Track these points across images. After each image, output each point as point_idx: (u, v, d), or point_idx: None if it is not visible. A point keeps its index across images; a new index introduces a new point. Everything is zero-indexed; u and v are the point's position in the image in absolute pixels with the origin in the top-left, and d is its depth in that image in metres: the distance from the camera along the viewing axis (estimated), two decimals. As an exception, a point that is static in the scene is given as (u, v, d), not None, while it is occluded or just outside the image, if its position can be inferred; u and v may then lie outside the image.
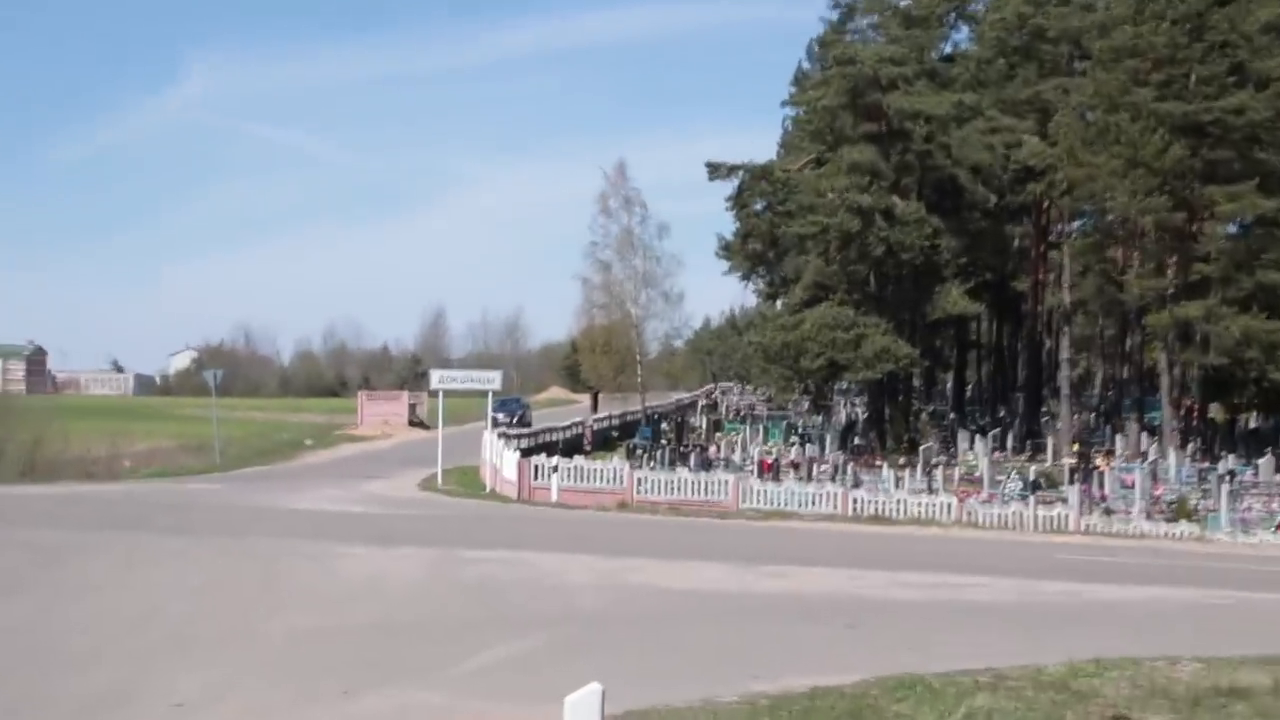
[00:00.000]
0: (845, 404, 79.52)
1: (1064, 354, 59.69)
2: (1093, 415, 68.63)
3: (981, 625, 16.51)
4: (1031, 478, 38.90)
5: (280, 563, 20.24)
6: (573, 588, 18.58)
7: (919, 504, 34.98)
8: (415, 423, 74.35)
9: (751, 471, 43.58)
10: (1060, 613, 18.09)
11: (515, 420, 64.83)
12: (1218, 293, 51.37)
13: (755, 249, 65.88)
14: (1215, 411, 68.15)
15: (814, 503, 35.44)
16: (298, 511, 30.39)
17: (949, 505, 34.82)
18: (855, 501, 35.27)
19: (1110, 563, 25.90)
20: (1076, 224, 62.31)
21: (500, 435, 41.96)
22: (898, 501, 35.09)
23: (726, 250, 68.63)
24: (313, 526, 26.56)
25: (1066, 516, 34.30)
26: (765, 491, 36.16)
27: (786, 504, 35.42)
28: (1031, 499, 34.59)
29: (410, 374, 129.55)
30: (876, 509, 34.91)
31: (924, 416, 63.99)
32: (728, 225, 70.37)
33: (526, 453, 40.45)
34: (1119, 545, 30.90)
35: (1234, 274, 51.81)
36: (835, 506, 35.22)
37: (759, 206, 62.51)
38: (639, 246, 65.46)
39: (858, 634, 15.45)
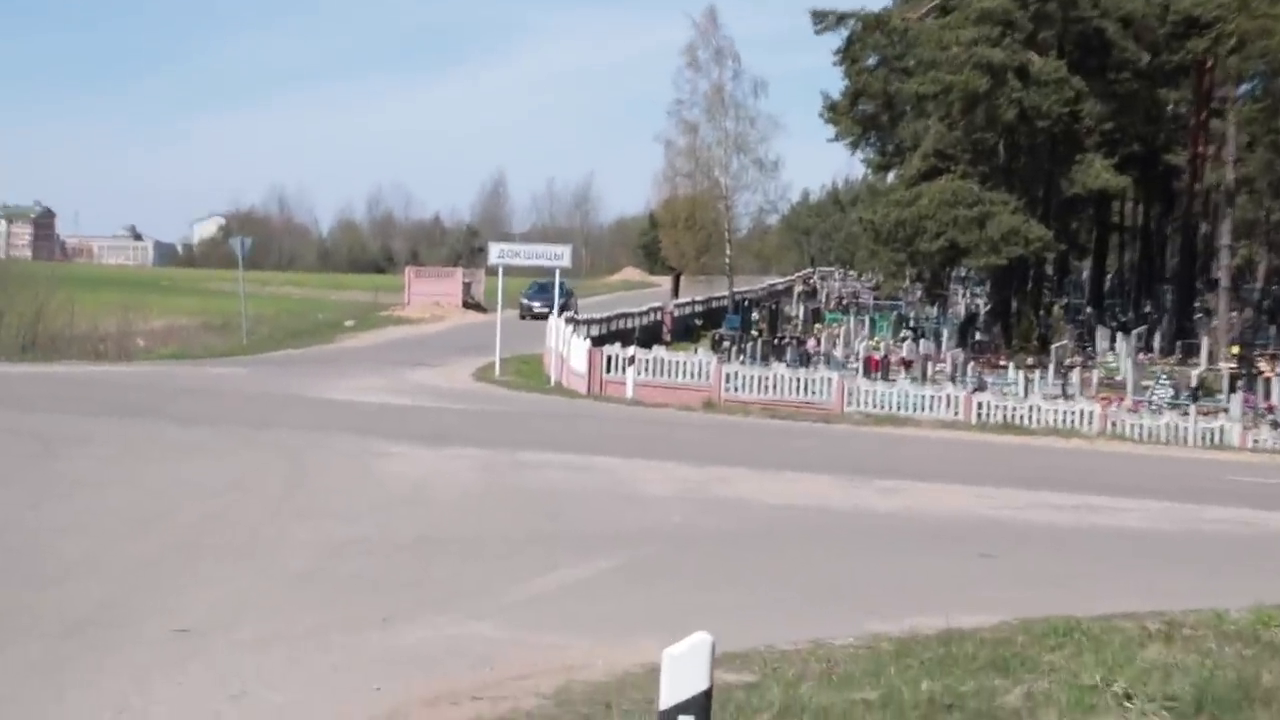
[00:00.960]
0: (964, 294, 78.53)
1: (1224, 239, 58.37)
2: (1255, 312, 67.10)
3: (1140, 558, 15.76)
4: (1193, 383, 37.72)
5: (311, 461, 19.85)
6: (651, 500, 18.01)
7: (1055, 412, 34.07)
8: (470, 304, 73.96)
9: (856, 370, 42.81)
10: (1233, 545, 17.29)
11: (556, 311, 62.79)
12: None
13: (866, 111, 64.63)
14: None
15: (931, 407, 34.64)
16: (334, 402, 30.04)
17: (1090, 414, 33.90)
18: (980, 406, 34.42)
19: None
20: (1245, 87, 60.66)
21: (568, 321, 41.34)
22: (1030, 408, 34.19)
23: (832, 112, 67.28)
24: (350, 420, 26.20)
25: (1229, 430, 33.32)
26: (875, 393, 35.39)
27: (899, 407, 34.65)
28: (1192, 409, 33.56)
29: (465, 249, 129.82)
30: (1005, 416, 34.07)
31: (1056, 310, 62.79)
32: (835, 83, 69.25)
33: (598, 341, 39.88)
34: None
35: None
36: (956, 412, 34.41)
37: (872, 62, 61.15)
38: (731, 106, 64.64)
39: (993, 565, 14.74)
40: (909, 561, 14.71)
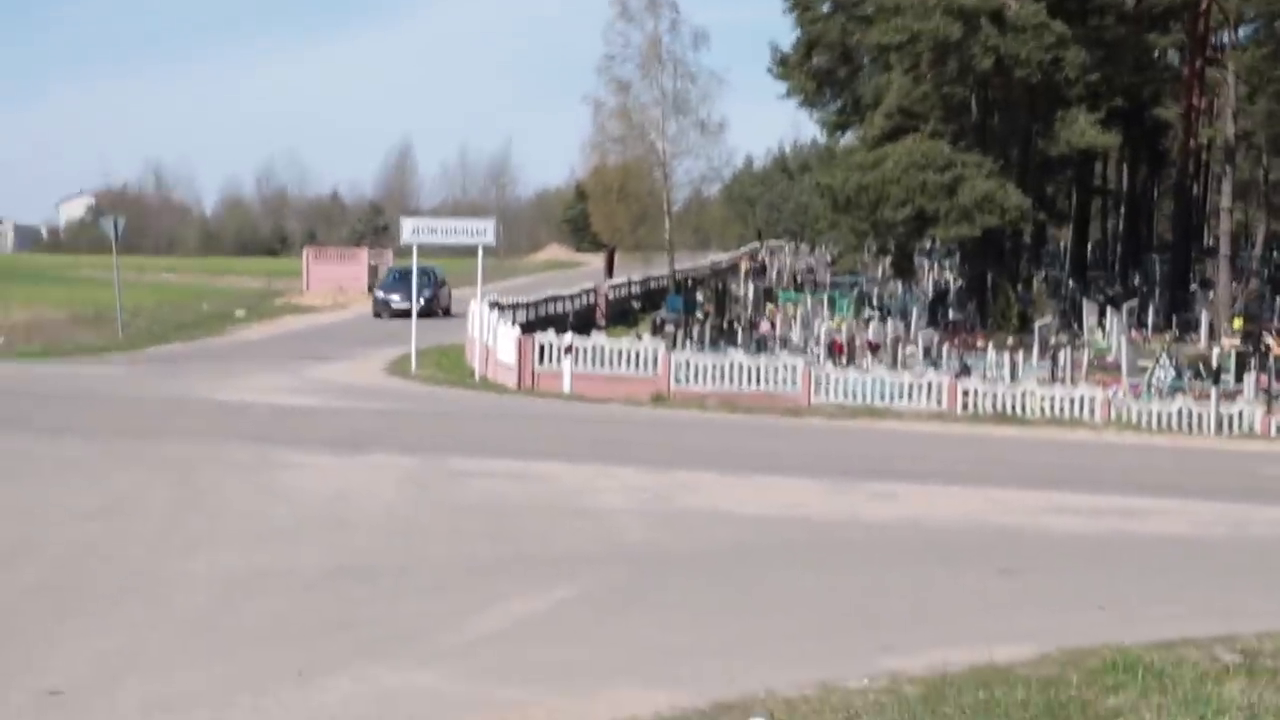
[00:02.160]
0: (931, 268, 78.22)
1: (1224, 202, 58.10)
2: (1260, 282, 67.01)
3: (1190, 570, 15.09)
4: (1214, 363, 36.97)
5: (205, 476, 19.15)
6: (608, 512, 17.33)
7: (1052, 398, 33.42)
8: None
9: (818, 355, 42.11)
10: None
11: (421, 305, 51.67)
12: None
13: (821, 65, 64.08)
14: None
15: (911, 395, 33.95)
16: (227, 405, 29.36)
17: (1092, 400, 33.29)
18: (966, 394, 33.77)
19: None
20: (1245, 31, 60.47)
21: (493, 306, 40.42)
22: (1023, 395, 33.55)
23: (783, 66, 66.70)
24: (248, 425, 25.57)
25: (1251, 415, 32.77)
26: (846, 381, 34.63)
27: (875, 397, 33.94)
28: (1214, 392, 32.96)
29: (369, 228, 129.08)
30: (995, 404, 33.41)
31: (1037, 285, 62.42)
32: (785, 33, 68.56)
33: (528, 328, 39.05)
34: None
35: None
36: (940, 401, 33.72)
37: (827, 8, 60.54)
38: (668, 61, 63.86)
39: (1017, 582, 14.05)
40: (919, 581, 13.96)
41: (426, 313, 52.37)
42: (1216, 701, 9.54)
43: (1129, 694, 9.70)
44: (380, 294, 60.96)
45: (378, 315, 58.51)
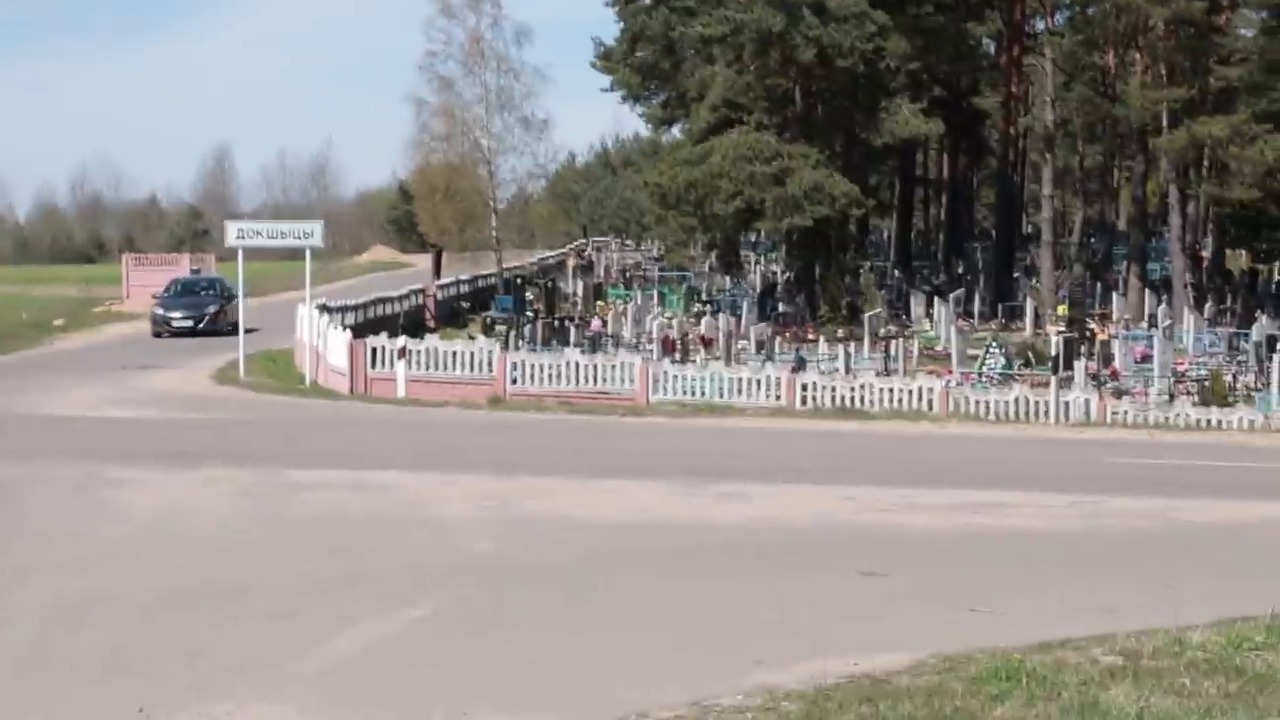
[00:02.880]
0: (757, 261, 78.21)
1: (1045, 189, 58.59)
2: (1079, 269, 67.81)
3: (1050, 565, 14.76)
4: (1057, 350, 37.08)
5: (27, 497, 18.22)
6: (453, 522, 16.70)
7: (890, 391, 33.31)
8: None
9: (652, 351, 41.77)
10: (1148, 542, 16.38)
11: (198, 324, 51.54)
12: (1247, 105, 50.39)
13: (645, 58, 63.88)
14: (1232, 262, 67.85)
15: (749, 391, 33.68)
16: (49, 419, 28.43)
17: (931, 391, 33.24)
18: (805, 389, 33.56)
19: (1177, 466, 24.42)
20: (1061, 18, 61.08)
21: (321, 309, 39.55)
22: (861, 388, 33.41)
23: (606, 60, 66.47)
24: (71, 440, 24.63)
25: (1085, 403, 32.89)
26: (684, 379, 34.31)
27: (713, 394, 33.67)
28: (1053, 381, 33.02)
29: (188, 232, 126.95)
30: (834, 398, 33.23)
31: (865, 276, 62.63)
32: (608, 28, 68.03)
33: (358, 331, 38.25)
34: (1163, 440, 29.51)
35: (1268, 80, 50.86)
36: (778, 396, 33.52)
37: (649, 1, 60.24)
38: (491, 57, 62.91)
39: (881, 584, 13.61)
40: (780, 586, 13.50)
41: (212, 330, 50.29)
42: (1104, 707, 9.19)
43: (1015, 702, 9.28)
44: (159, 310, 53.27)
45: (157, 335, 51.68)
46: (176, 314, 52.08)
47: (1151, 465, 24.27)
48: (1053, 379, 33.28)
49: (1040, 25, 63.38)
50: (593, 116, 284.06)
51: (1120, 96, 58.11)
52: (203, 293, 54.54)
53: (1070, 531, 16.76)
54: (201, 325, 51.08)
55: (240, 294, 41.57)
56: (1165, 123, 52.03)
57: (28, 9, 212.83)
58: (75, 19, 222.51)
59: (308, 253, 40.21)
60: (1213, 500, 19.74)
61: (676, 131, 69.08)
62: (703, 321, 50.35)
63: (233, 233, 40.60)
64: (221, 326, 50.32)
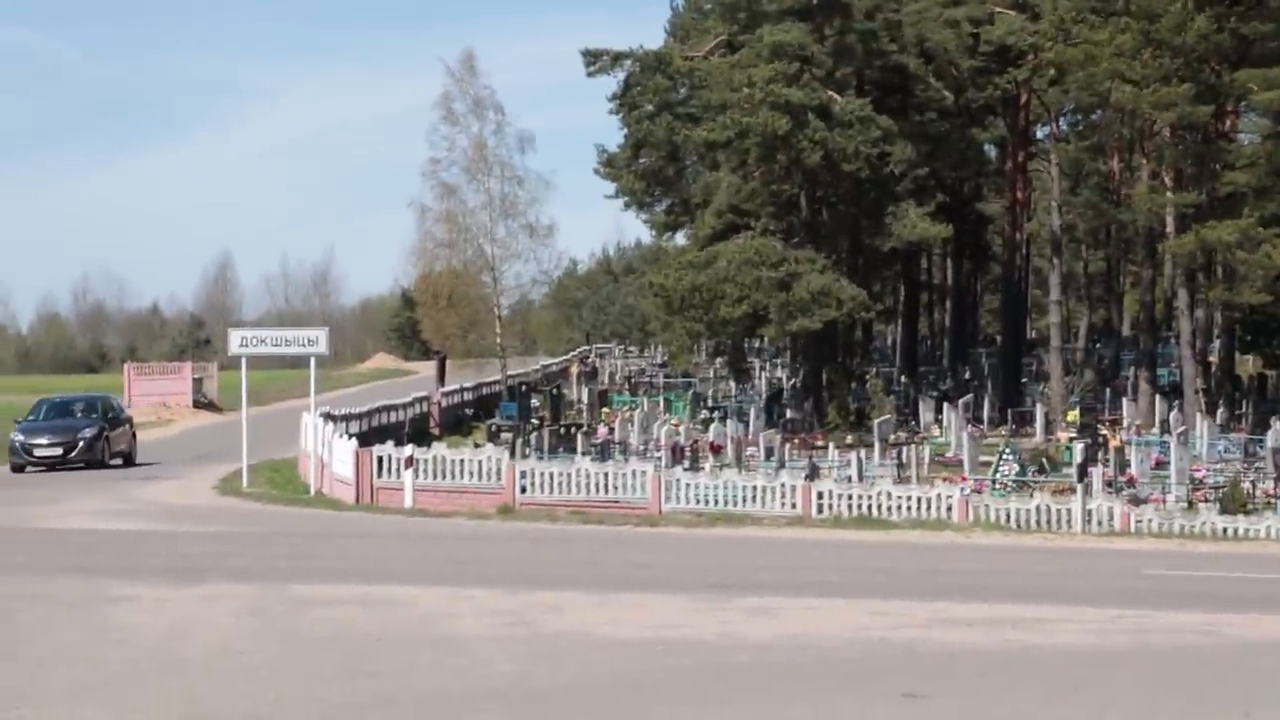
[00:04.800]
0: (764, 366, 77.77)
1: (1054, 294, 58.21)
2: (1090, 374, 67.32)
3: (1103, 686, 13.82)
4: (1083, 456, 36.27)
5: (24, 617, 17.36)
6: (470, 641, 15.80)
7: (909, 499, 32.48)
8: (203, 404, 72.65)
9: (660, 459, 41.02)
10: (1206, 661, 15.41)
11: (69, 452, 43.07)
12: (1254, 210, 50.00)
13: (649, 164, 63.52)
14: (1240, 367, 67.27)
15: (764, 499, 32.89)
16: (48, 532, 27.74)
17: (949, 499, 32.43)
18: (821, 496, 32.75)
19: (1215, 578, 23.52)
20: (1065, 124, 60.92)
21: (325, 417, 38.86)
22: (879, 496, 32.56)
23: (610, 166, 66.14)
24: (71, 555, 23.85)
25: (1112, 511, 32.07)
26: (698, 487, 33.49)
27: (727, 502, 32.92)
28: (1080, 489, 32.18)
29: (191, 341, 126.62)
30: (853, 506, 32.41)
31: (872, 381, 61.98)
32: (611, 135, 67.91)
33: (364, 440, 37.57)
34: (1190, 551, 28.62)
35: (1275, 185, 50.60)
36: (794, 504, 32.72)
37: (652, 107, 59.91)
38: (494, 164, 62.67)
39: (928, 708, 12.73)
40: (820, 710, 12.63)
41: (87, 461, 42.95)
42: None
43: None
44: (19, 437, 43.40)
45: (17, 469, 42.59)
46: (41, 440, 43.32)
47: (1190, 577, 23.36)
48: (1079, 486, 32.38)
49: (1044, 131, 63.32)
50: (595, 224, 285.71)
51: (1125, 201, 57.90)
52: (79, 414, 45.56)
53: (1119, 648, 15.80)
54: (73, 455, 43.01)
55: (244, 402, 40.50)
56: (1172, 227, 51.58)
57: (28, 119, 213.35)
58: (76, 129, 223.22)
59: (312, 360, 39.52)
60: (1260, 614, 18.84)
61: (680, 237, 68.84)
62: (711, 428, 49.61)
63: (236, 341, 39.97)
64: (101, 456, 43.42)
